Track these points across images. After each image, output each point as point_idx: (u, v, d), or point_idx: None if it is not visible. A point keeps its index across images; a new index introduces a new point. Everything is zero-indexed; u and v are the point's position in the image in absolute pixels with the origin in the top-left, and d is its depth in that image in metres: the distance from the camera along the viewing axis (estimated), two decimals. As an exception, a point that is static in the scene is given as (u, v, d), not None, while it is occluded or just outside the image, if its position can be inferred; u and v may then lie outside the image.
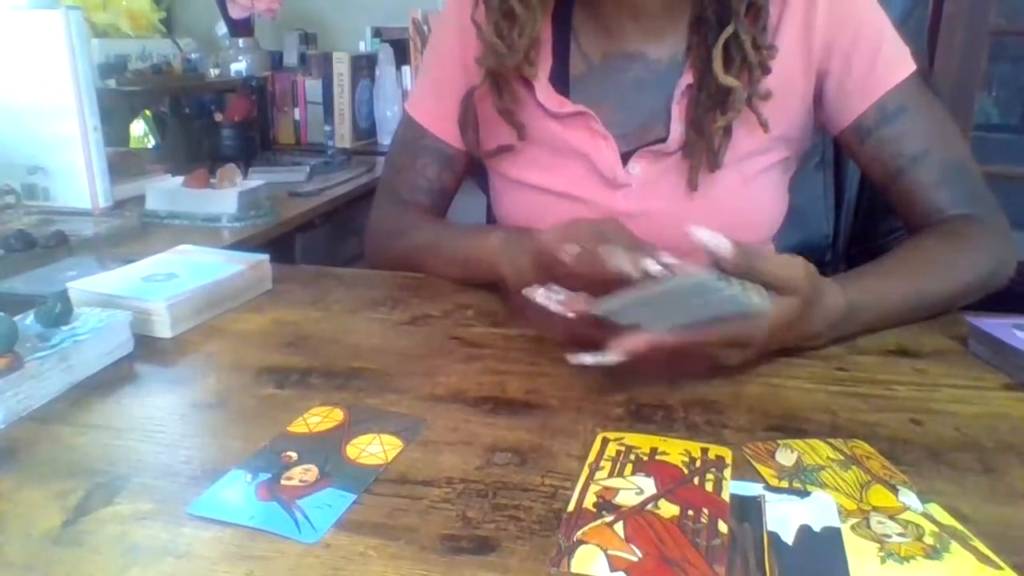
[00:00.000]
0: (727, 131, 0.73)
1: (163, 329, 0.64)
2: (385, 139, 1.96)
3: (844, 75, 0.75)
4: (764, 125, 0.73)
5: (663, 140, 0.75)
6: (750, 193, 0.77)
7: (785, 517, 0.40)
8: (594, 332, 0.53)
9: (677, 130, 0.75)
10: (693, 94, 0.74)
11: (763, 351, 0.57)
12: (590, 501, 0.41)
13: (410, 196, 0.89)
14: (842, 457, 0.46)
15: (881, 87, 0.74)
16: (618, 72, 0.78)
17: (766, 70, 0.72)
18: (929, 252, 0.71)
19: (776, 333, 0.55)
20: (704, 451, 0.47)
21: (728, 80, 0.70)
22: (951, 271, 0.69)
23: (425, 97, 0.89)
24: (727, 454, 0.46)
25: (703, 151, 0.74)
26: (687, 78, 0.75)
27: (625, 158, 0.76)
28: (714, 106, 0.73)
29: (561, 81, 0.79)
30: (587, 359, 0.52)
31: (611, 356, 0.51)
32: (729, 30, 0.70)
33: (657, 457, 0.46)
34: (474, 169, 0.92)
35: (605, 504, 0.41)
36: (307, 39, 2.11)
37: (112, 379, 0.57)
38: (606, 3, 0.77)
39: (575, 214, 0.65)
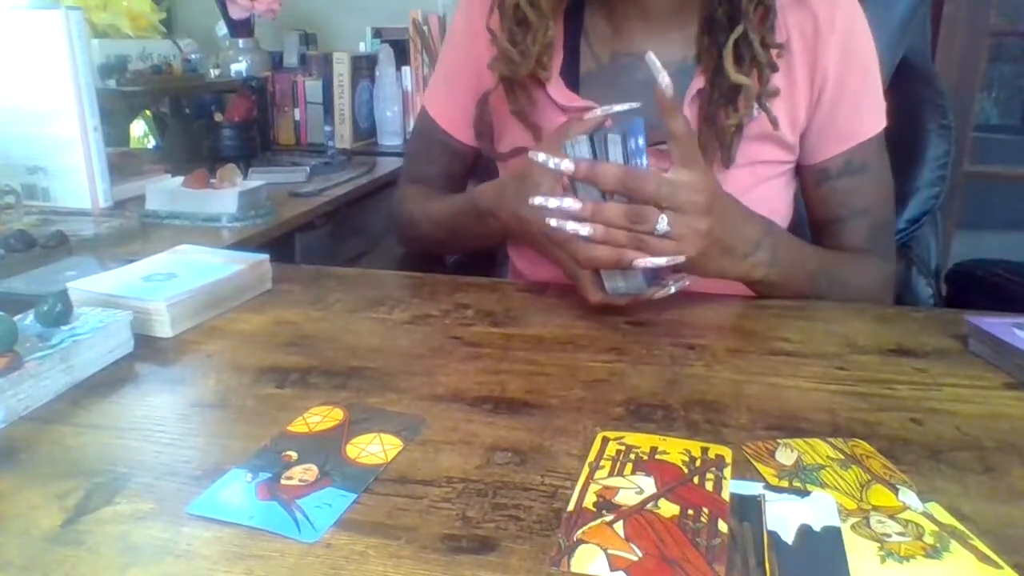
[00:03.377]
0: (739, 129, 0.75)
1: (163, 329, 0.64)
2: (385, 139, 1.96)
3: (827, 118, 0.79)
4: (774, 122, 0.74)
5: None
6: (760, 195, 0.78)
7: (785, 516, 0.40)
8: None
9: None
10: (705, 95, 0.75)
11: (714, 218, 0.62)
12: (590, 500, 0.41)
13: (424, 181, 0.94)
14: (842, 456, 0.46)
15: (854, 138, 0.79)
16: (627, 72, 0.79)
17: (774, 68, 0.73)
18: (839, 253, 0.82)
19: (713, 200, 0.62)
20: (704, 450, 0.47)
21: (739, 78, 0.71)
22: (855, 267, 0.80)
23: (438, 92, 0.93)
24: (727, 453, 0.46)
25: (715, 150, 0.75)
26: (698, 82, 0.76)
27: None
28: (726, 103, 0.74)
29: (571, 78, 0.80)
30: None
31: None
32: (739, 30, 0.71)
33: (657, 456, 0.46)
34: (479, 163, 0.95)
35: (605, 503, 0.41)
36: (307, 39, 2.11)
37: (112, 379, 0.57)
38: (616, 3, 0.78)
39: None
